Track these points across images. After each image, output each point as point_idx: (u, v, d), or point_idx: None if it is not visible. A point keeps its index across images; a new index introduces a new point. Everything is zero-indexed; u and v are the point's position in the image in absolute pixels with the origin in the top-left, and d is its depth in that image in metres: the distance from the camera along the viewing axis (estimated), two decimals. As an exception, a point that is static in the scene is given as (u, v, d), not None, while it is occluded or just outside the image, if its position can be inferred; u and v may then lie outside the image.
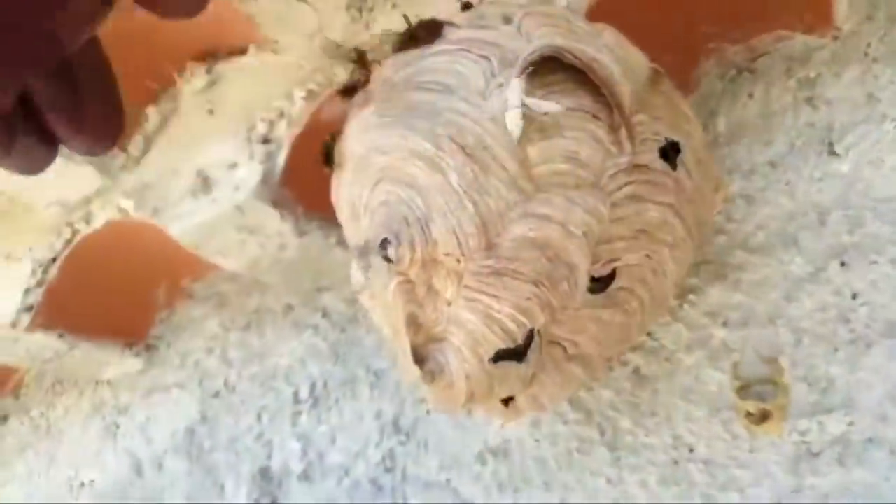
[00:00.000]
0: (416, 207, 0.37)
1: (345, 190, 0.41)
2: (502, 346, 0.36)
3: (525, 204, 0.36)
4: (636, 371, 0.49)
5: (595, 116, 0.37)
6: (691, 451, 0.47)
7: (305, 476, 0.61)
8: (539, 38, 0.38)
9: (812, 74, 0.50)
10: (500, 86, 0.37)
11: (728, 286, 0.48)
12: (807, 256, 0.46)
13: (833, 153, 0.48)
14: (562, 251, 0.36)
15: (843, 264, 0.45)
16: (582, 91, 0.37)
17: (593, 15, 0.47)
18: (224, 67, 0.56)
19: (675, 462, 0.47)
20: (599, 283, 0.38)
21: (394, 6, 0.51)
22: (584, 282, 0.37)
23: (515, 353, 0.37)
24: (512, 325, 0.36)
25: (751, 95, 0.52)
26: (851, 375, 0.43)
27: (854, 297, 0.44)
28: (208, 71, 0.57)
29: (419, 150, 0.37)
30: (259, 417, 0.65)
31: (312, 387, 0.62)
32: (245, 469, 0.65)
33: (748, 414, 0.45)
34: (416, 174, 0.37)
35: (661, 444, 0.47)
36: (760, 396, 0.45)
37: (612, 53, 0.38)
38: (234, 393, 0.67)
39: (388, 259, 0.37)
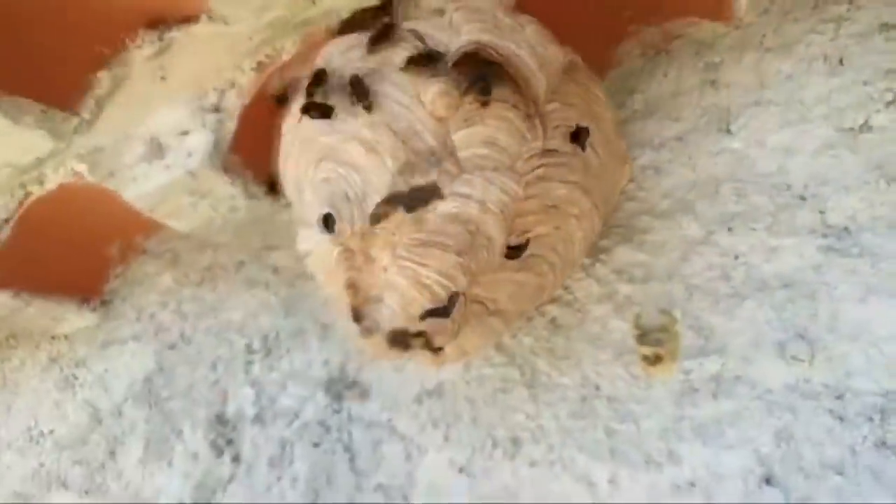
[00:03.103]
0: (355, 184, 0.42)
1: (291, 165, 0.46)
2: (429, 306, 0.42)
3: (450, 184, 0.41)
4: (553, 321, 0.56)
5: (514, 106, 0.42)
6: (597, 388, 0.54)
7: (259, 419, 0.67)
8: (466, 33, 0.42)
9: (717, 59, 0.56)
10: (431, 76, 0.41)
11: (634, 247, 0.55)
12: (701, 222, 0.53)
13: (728, 132, 0.54)
14: (481, 225, 0.42)
15: (729, 230, 0.52)
16: (502, 83, 0.42)
17: (524, 2, 0.51)
18: (176, 35, 0.58)
19: (584, 399, 0.54)
20: (515, 251, 0.44)
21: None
22: (500, 250, 0.43)
23: (442, 311, 0.43)
24: (438, 289, 0.42)
25: (665, 75, 0.58)
26: (728, 324, 0.50)
27: (736, 258, 0.51)
28: (160, 38, 0.59)
29: (358, 134, 0.41)
30: (214, 367, 0.70)
31: (264, 339, 0.68)
32: (202, 414, 0.70)
33: (645, 357, 0.52)
34: (355, 155, 0.42)
35: (573, 384, 0.55)
36: (656, 342, 0.53)
37: (531, 49, 0.43)
38: (190, 345, 0.71)
39: (331, 231, 0.42)
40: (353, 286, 0.43)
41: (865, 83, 0.48)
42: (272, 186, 0.46)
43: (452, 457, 0.57)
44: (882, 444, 0.45)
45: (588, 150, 0.45)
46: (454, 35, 0.42)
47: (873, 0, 0.48)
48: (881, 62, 0.47)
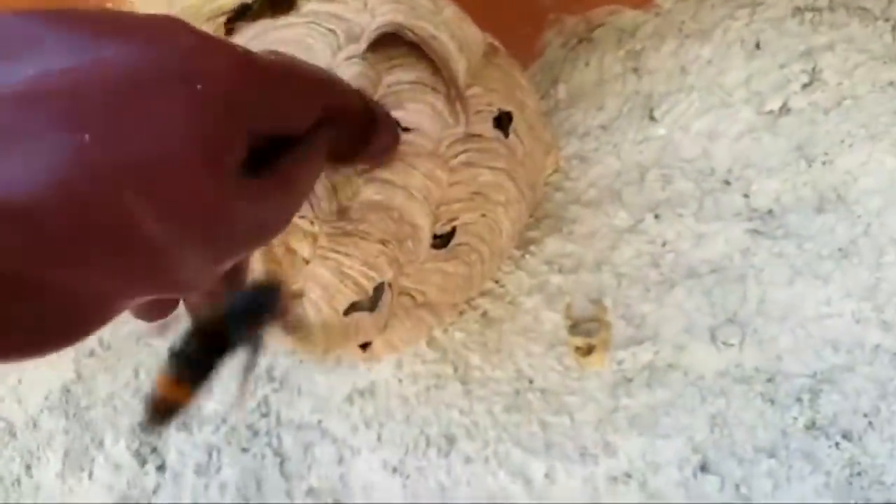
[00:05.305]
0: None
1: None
2: (354, 298, 0.41)
3: (371, 170, 0.40)
4: (484, 314, 0.55)
5: (434, 89, 0.41)
6: (531, 382, 0.53)
7: (184, 426, 0.64)
8: (382, 14, 0.41)
9: (638, 47, 0.56)
10: (347, 59, 0.40)
11: (563, 237, 0.54)
12: (629, 210, 0.53)
13: (652, 118, 0.54)
14: (405, 212, 0.40)
15: (656, 217, 0.52)
16: (421, 66, 0.41)
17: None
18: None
19: (518, 392, 0.53)
20: (441, 240, 0.43)
21: (251, -30, 0.52)
22: (427, 239, 0.41)
23: (367, 305, 0.41)
24: (362, 280, 0.40)
25: (587, 64, 0.57)
26: (659, 312, 0.50)
27: (664, 244, 0.51)
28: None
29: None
30: (136, 373, 0.66)
31: (188, 341, 0.64)
32: (124, 423, 0.67)
33: (577, 348, 0.52)
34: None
35: (506, 377, 0.54)
36: (588, 333, 0.52)
37: (450, 30, 0.41)
38: (110, 350, 0.68)
39: (245, 222, 0.40)
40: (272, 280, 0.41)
41: (782, 66, 0.48)
42: None
43: (386, 457, 0.55)
44: (812, 424, 0.46)
45: (512, 136, 0.44)
46: (369, 17, 0.41)
47: (788, -14, 0.49)
48: (796, 45, 0.48)
